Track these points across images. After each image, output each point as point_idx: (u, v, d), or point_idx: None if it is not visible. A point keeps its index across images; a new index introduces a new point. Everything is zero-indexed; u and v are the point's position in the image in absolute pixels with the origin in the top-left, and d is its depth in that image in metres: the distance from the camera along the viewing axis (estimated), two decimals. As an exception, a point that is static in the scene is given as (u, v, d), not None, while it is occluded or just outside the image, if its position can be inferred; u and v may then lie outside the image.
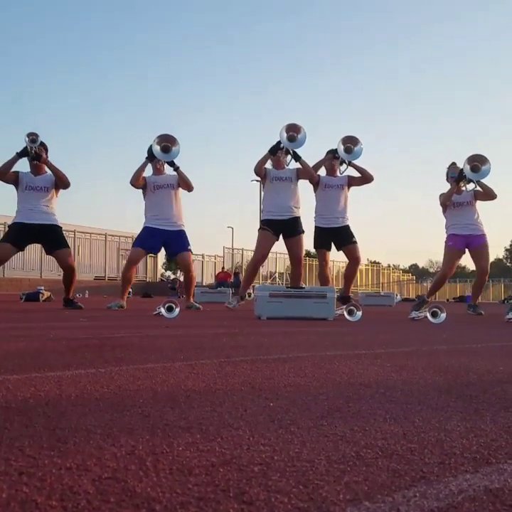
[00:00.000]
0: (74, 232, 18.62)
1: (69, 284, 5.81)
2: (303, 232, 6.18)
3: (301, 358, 2.02)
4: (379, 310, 8.29)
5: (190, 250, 6.18)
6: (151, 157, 5.99)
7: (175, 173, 6.09)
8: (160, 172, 6.15)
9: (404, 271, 49.39)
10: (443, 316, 4.34)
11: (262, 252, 6.30)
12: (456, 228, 6.41)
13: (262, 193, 6.30)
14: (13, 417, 1.03)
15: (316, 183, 6.53)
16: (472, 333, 3.80)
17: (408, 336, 3.26)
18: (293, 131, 5.94)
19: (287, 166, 6.17)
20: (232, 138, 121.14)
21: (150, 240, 6.09)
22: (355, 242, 6.50)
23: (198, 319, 4.58)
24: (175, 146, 5.93)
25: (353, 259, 6.64)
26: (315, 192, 6.62)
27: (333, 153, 6.49)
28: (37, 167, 5.69)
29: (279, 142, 6.01)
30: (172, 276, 27.05)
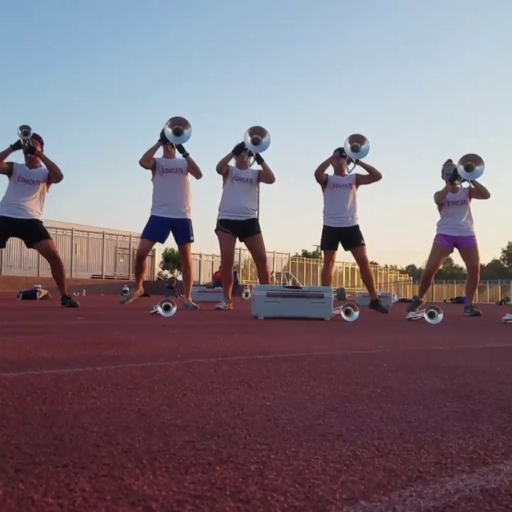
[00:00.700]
0: (71, 230, 18.61)
1: (59, 275, 5.80)
2: (260, 232, 6.17)
3: (298, 357, 2.02)
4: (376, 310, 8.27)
5: (192, 241, 6.18)
6: (164, 140, 5.97)
7: (184, 158, 6.09)
8: (171, 155, 6.12)
9: (402, 271, 49.44)
10: (440, 316, 4.35)
11: (227, 253, 6.31)
12: (445, 229, 6.50)
13: (222, 191, 6.26)
14: (10, 414, 1.02)
15: (324, 182, 6.50)
16: (469, 333, 3.81)
17: (405, 337, 3.26)
18: (257, 134, 5.97)
19: (250, 166, 6.18)
20: (231, 137, 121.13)
21: (157, 229, 6.08)
22: (363, 244, 6.47)
23: (195, 318, 4.58)
24: (187, 129, 5.91)
25: (360, 260, 6.63)
26: (323, 191, 6.57)
27: (340, 152, 6.44)
28: (31, 160, 5.69)
29: (242, 143, 6.03)
30: (169, 276, 27.02)
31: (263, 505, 0.63)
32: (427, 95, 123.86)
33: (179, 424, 0.98)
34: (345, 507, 0.63)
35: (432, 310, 4.42)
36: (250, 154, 6.09)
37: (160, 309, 4.36)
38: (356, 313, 4.48)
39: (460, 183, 6.41)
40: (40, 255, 16.95)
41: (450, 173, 6.35)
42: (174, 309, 4.36)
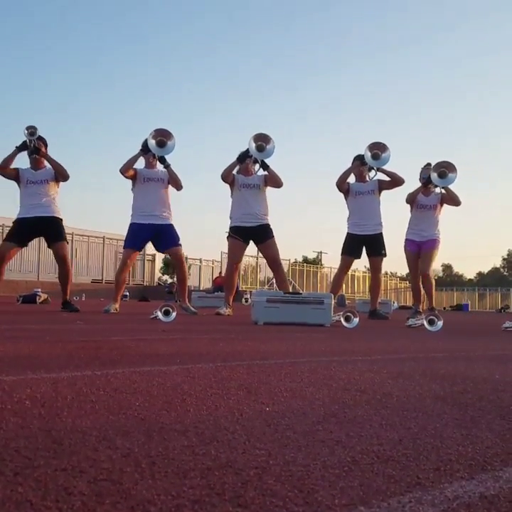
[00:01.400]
0: (72, 234, 18.58)
1: (64, 279, 5.82)
2: (273, 236, 6.13)
3: (298, 363, 2.02)
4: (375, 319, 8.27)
5: (180, 245, 6.13)
6: (145, 150, 5.98)
7: (165, 170, 6.09)
8: (152, 166, 6.12)
9: (402, 278, 49.40)
10: (440, 324, 4.34)
11: (234, 260, 6.25)
12: (412, 234, 6.74)
13: (231, 201, 6.24)
14: (9, 417, 1.02)
15: (346, 191, 6.55)
16: (469, 341, 3.81)
17: (405, 343, 3.26)
18: (262, 141, 5.98)
19: (255, 173, 6.18)
20: (231, 141, 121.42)
21: (138, 237, 6.05)
22: (382, 255, 6.54)
23: (195, 324, 4.58)
24: (170, 141, 5.93)
25: (374, 269, 6.70)
26: (346, 200, 6.62)
27: (360, 160, 6.47)
28: (36, 161, 5.75)
29: (247, 150, 6.04)
30: (169, 281, 27.02)
31: (262, 510, 0.63)
32: (426, 95, 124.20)
33: (178, 428, 0.98)
34: (344, 513, 0.63)
35: (431, 317, 4.42)
36: (255, 161, 6.09)
37: (160, 314, 4.36)
38: (356, 320, 4.47)
39: (434, 187, 6.51)
40: (40, 259, 16.89)
41: (426, 177, 6.46)
42: (174, 314, 4.36)
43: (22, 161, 5.77)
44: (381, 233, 6.53)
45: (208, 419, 1.06)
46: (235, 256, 6.25)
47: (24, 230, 5.75)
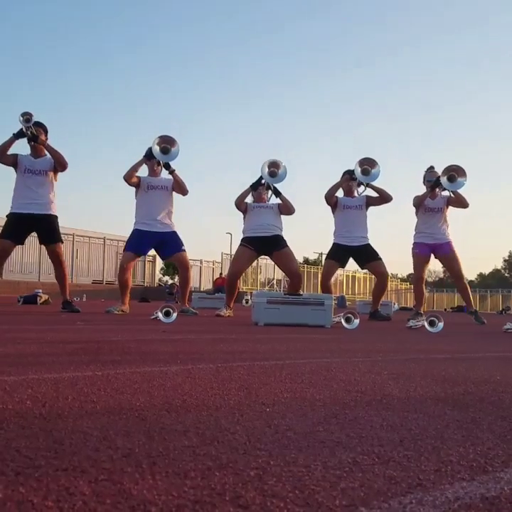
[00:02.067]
0: (72, 235, 18.62)
1: (61, 279, 5.74)
2: (288, 246, 6.10)
3: (298, 364, 2.01)
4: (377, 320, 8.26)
5: (184, 250, 6.14)
6: (149, 156, 5.98)
7: (170, 176, 6.08)
8: (156, 174, 6.12)
9: (402, 280, 49.39)
10: (440, 325, 4.34)
11: (236, 267, 6.25)
12: (421, 237, 6.58)
13: (244, 221, 6.26)
14: (10, 418, 1.02)
15: (333, 204, 6.58)
16: (469, 342, 3.80)
17: (405, 344, 3.26)
18: (274, 167, 6.05)
19: (268, 200, 6.24)
20: (232, 143, 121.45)
21: (140, 243, 6.05)
22: (380, 259, 6.52)
23: (195, 324, 4.58)
24: (174, 148, 5.93)
25: (379, 275, 6.64)
26: (333, 213, 6.65)
27: (349, 175, 6.52)
28: (36, 149, 5.57)
29: (260, 178, 6.11)
30: (170, 282, 27.02)
31: (262, 510, 0.63)
32: (426, 105, 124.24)
33: (179, 429, 0.98)
34: (345, 513, 0.63)
35: (432, 318, 4.42)
36: (268, 188, 6.15)
37: (160, 315, 4.36)
38: (357, 321, 4.47)
39: (440, 191, 6.49)
40: (41, 260, 16.88)
41: (432, 180, 6.44)
42: (175, 315, 4.36)
43: (22, 149, 5.61)
44: (369, 244, 6.55)
45: (208, 420, 1.06)
46: (239, 264, 6.23)
47: (19, 227, 5.57)
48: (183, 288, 6.40)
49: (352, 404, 1.27)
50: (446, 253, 6.51)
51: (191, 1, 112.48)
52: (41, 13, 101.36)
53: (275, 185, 6.14)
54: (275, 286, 26.04)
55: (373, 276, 7.22)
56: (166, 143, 5.92)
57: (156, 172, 6.12)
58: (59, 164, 5.60)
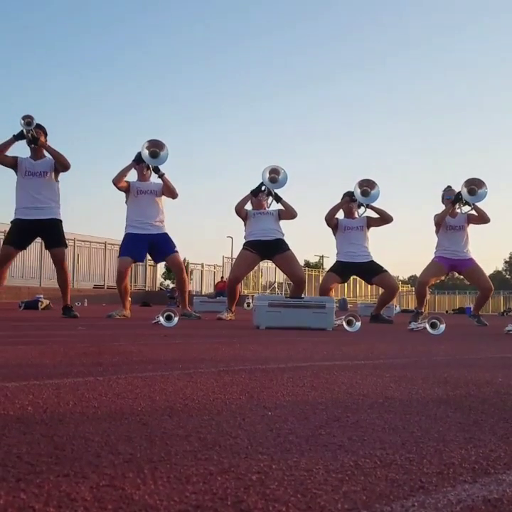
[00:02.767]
0: (74, 240, 18.62)
1: (64, 284, 5.72)
2: (290, 249, 6.08)
3: (300, 367, 2.01)
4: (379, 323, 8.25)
5: (177, 251, 6.12)
6: (138, 161, 5.98)
7: (159, 180, 6.08)
8: (145, 178, 6.12)
9: (404, 282, 49.34)
10: (442, 327, 4.33)
11: (238, 270, 6.24)
12: (444, 252, 6.47)
13: (245, 228, 6.26)
14: (11, 424, 1.02)
15: (334, 226, 6.60)
16: (471, 344, 3.80)
17: (407, 347, 3.26)
18: (274, 173, 6.08)
19: (268, 207, 6.25)
20: (233, 147, 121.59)
21: (135, 247, 6.02)
22: (386, 271, 6.51)
23: (197, 328, 4.58)
24: (163, 151, 5.94)
25: (390, 288, 6.62)
26: (334, 235, 6.67)
27: (349, 196, 6.55)
28: (36, 151, 5.55)
29: (261, 184, 6.12)
30: (171, 286, 27.01)
31: (264, 515, 0.63)
32: (424, 106, 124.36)
33: (180, 433, 0.98)
34: (347, 517, 0.63)
35: (434, 320, 4.41)
36: (269, 193, 6.15)
37: (162, 319, 4.36)
38: (358, 324, 4.47)
39: (461, 207, 6.43)
40: (42, 265, 16.87)
41: (451, 198, 6.36)
42: (176, 319, 4.35)
43: (22, 152, 5.60)
44: (373, 260, 6.55)
45: (210, 424, 1.06)
46: (240, 268, 6.22)
47: (23, 233, 5.56)
48: (181, 290, 6.38)
49: (354, 407, 1.27)
50: (469, 266, 6.40)
51: (191, 2, 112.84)
52: (42, 13, 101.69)
53: (276, 191, 6.15)
54: (276, 289, 26.02)
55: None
56: (155, 147, 5.94)
57: (145, 176, 6.12)
58: (61, 165, 5.57)
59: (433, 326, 4.38)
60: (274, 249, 6.06)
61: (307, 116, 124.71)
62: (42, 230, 5.59)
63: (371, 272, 6.52)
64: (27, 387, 1.42)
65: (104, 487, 0.70)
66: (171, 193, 6.09)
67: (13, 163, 5.53)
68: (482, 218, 6.37)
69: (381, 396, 1.43)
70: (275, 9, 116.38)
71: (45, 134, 5.61)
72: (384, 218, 6.52)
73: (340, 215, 6.66)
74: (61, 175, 5.69)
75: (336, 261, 6.65)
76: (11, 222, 5.65)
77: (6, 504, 0.63)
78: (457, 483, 0.76)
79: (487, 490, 0.73)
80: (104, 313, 6.38)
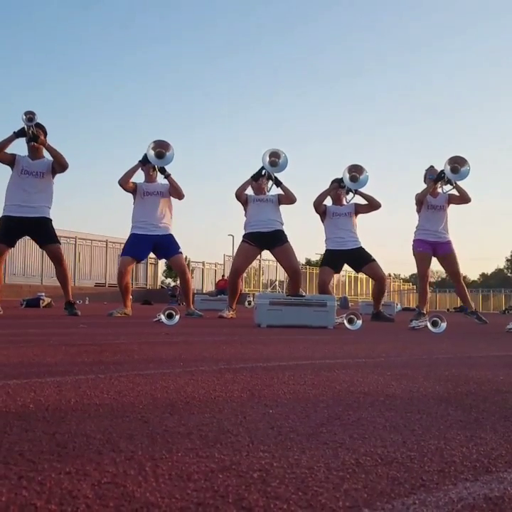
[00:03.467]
0: (75, 238, 18.65)
1: (63, 279, 5.70)
2: (288, 241, 6.09)
3: (301, 365, 2.01)
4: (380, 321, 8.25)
5: (181, 253, 6.16)
6: (144, 161, 6.00)
7: (166, 181, 6.09)
8: (152, 179, 6.14)
9: (405, 280, 49.34)
10: (443, 325, 4.33)
11: (239, 263, 6.24)
12: (424, 234, 6.52)
13: (245, 214, 6.25)
14: (13, 421, 1.02)
15: (322, 212, 6.63)
16: (472, 342, 3.79)
17: (408, 345, 3.26)
18: (275, 157, 6.06)
19: (268, 191, 6.23)
20: (234, 145, 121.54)
21: (138, 247, 6.07)
22: (374, 260, 6.54)
23: (198, 327, 4.58)
24: (169, 152, 5.96)
25: (377, 278, 6.67)
26: (323, 222, 6.69)
27: (338, 183, 6.57)
28: (34, 150, 5.50)
29: (261, 168, 6.11)
30: (172, 284, 27.03)
31: (266, 512, 0.63)
32: (423, 106, 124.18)
33: (182, 431, 0.98)
34: (348, 515, 0.63)
35: (435, 319, 4.41)
36: (269, 178, 6.14)
37: (163, 317, 4.37)
38: (359, 322, 4.47)
39: (442, 185, 6.48)
40: (43, 264, 16.87)
41: (433, 177, 6.42)
42: (177, 317, 4.36)
43: (21, 150, 5.55)
44: (361, 247, 6.58)
45: (211, 422, 1.06)
46: (241, 261, 6.22)
47: (12, 230, 5.49)
48: (185, 290, 6.42)
49: (355, 406, 1.27)
50: (446, 252, 6.49)
51: (190, 4, 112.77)
52: (41, 15, 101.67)
53: (276, 175, 6.13)
54: (278, 287, 26.03)
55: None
56: (161, 147, 5.95)
57: (152, 177, 6.13)
58: (59, 165, 5.54)
59: (434, 324, 4.37)
60: (274, 241, 6.07)
61: (310, 116, 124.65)
62: (31, 228, 5.54)
63: (360, 260, 6.56)
64: (29, 384, 1.42)
65: (106, 484, 0.70)
66: (178, 194, 6.11)
67: (11, 160, 5.48)
68: (463, 198, 6.42)
69: (382, 394, 1.43)
70: (274, 10, 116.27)
71: (45, 134, 5.59)
72: (372, 204, 6.54)
73: (328, 201, 6.68)
74: (59, 175, 5.67)
75: (326, 251, 6.66)
76: (0, 219, 5.56)
77: (8, 501, 0.63)
78: (458, 481, 0.76)
79: (488, 488, 0.73)
80: (106, 311, 6.39)
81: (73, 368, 1.76)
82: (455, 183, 6.34)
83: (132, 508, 0.63)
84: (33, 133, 5.41)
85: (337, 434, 0.99)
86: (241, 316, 6.30)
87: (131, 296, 6.30)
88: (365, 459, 0.85)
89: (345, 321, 4.50)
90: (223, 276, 22.92)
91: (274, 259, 6.53)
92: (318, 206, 6.58)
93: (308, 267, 30.08)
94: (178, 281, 8.95)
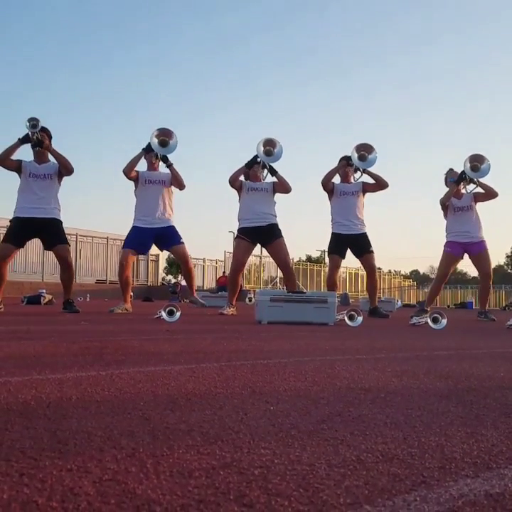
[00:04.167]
0: (76, 235, 18.63)
1: (67, 281, 5.71)
2: (282, 236, 6.09)
3: (302, 362, 2.01)
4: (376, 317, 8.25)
5: (183, 242, 6.15)
6: (147, 149, 6.00)
7: (168, 170, 6.09)
8: (154, 168, 6.15)
9: (405, 277, 49.34)
10: (444, 321, 4.33)
11: (237, 261, 6.23)
12: (455, 236, 6.47)
13: (239, 204, 6.22)
14: (15, 418, 1.03)
15: (330, 190, 6.59)
16: (473, 339, 3.80)
17: (409, 342, 3.26)
18: (270, 145, 6.02)
19: (264, 180, 6.19)
20: (234, 142, 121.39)
21: (139, 240, 6.07)
22: (372, 252, 6.54)
23: (199, 323, 4.58)
24: (172, 140, 5.97)
25: (368, 267, 6.68)
26: (330, 200, 6.66)
27: (346, 160, 6.52)
28: (40, 154, 5.57)
29: (255, 156, 6.07)
30: (173, 281, 27.04)
31: (267, 509, 0.63)
32: (433, 101, 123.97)
33: (183, 428, 0.98)
34: (349, 511, 0.63)
35: (435, 315, 4.41)
36: (263, 166, 6.10)
37: (164, 314, 4.37)
38: (360, 319, 4.47)
39: (465, 186, 6.44)
40: (44, 261, 16.87)
41: (453, 179, 6.39)
42: (178, 314, 4.36)
43: (26, 155, 5.62)
44: (366, 233, 6.56)
45: (212, 419, 1.06)
46: (240, 258, 6.22)
47: (21, 231, 5.54)
48: (188, 279, 6.47)
49: (356, 402, 1.27)
50: (480, 251, 6.40)
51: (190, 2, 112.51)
52: (41, 15, 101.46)
53: (271, 164, 6.08)
54: (278, 284, 26.03)
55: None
56: (164, 135, 5.95)
57: (154, 166, 6.15)
58: (64, 168, 5.61)
59: (435, 320, 4.38)
60: (268, 236, 6.06)
61: (309, 111, 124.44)
62: (42, 229, 5.57)
63: (361, 248, 6.55)
64: (30, 381, 1.43)
65: (107, 481, 0.70)
66: (179, 184, 6.12)
67: (17, 167, 5.56)
68: (489, 194, 6.37)
69: (383, 391, 1.43)
70: (272, 7, 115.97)
71: (50, 138, 5.65)
72: (380, 184, 6.49)
73: (336, 179, 6.64)
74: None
75: (332, 234, 6.63)
76: (10, 220, 5.65)
77: (10, 498, 0.64)
78: (459, 477, 0.76)
79: (489, 484, 0.73)
80: (107, 308, 6.39)
81: (74, 364, 1.76)
82: (478, 181, 6.30)
83: (133, 505, 0.63)
84: (38, 138, 5.47)
85: (338, 430, 1.00)
86: (241, 313, 6.31)
87: (131, 293, 6.30)
88: (366, 455, 0.85)
89: (345, 318, 4.50)
90: (224, 272, 22.90)
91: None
92: (327, 184, 6.52)
93: (308, 263, 30.07)
94: (180, 278, 8.97)
